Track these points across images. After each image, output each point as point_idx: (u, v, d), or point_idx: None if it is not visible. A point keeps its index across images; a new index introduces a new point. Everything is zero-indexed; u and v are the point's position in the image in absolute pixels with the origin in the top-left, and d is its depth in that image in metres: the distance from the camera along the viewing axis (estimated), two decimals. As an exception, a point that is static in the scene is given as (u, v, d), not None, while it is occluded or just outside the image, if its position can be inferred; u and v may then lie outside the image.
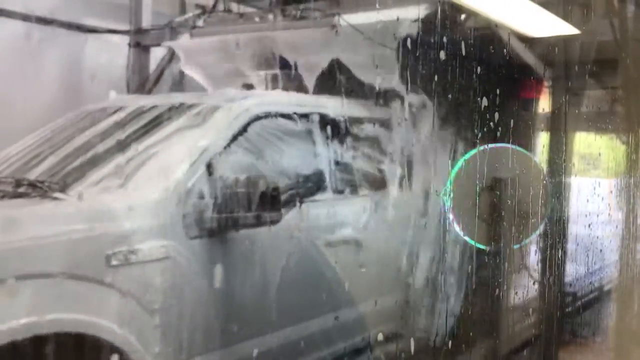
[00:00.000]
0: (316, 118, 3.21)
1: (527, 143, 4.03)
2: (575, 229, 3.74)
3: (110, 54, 4.57)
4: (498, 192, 3.82)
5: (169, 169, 2.54)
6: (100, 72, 4.56)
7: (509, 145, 3.83)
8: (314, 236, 2.94)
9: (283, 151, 3.00)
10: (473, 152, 3.79)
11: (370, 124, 3.51)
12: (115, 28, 4.47)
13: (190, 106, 2.95)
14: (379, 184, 3.41)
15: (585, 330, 3.90)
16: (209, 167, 2.57)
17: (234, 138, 2.75)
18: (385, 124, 3.59)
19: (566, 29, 3.12)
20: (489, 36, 3.40)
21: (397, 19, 3.41)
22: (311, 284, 2.93)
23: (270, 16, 3.81)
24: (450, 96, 3.78)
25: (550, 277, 3.50)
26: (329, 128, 3.23)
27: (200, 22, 3.97)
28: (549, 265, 3.50)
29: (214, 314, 2.51)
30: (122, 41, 4.45)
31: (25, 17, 4.13)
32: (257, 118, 2.90)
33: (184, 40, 4.06)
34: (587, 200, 3.86)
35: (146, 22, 4.46)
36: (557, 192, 3.45)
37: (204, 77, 4.09)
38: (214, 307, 2.51)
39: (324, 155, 3.17)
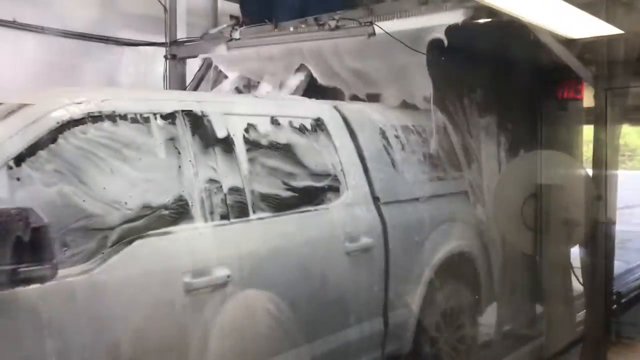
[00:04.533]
0: (185, 120, 2.38)
1: (567, 144, 3.99)
2: (619, 227, 3.68)
3: (147, 66, 4.63)
4: (542, 198, 3.80)
5: None
6: (137, 84, 4.63)
7: (550, 151, 3.79)
8: (162, 283, 2.13)
9: (120, 170, 2.14)
10: (515, 159, 3.78)
11: (284, 128, 2.76)
12: (151, 40, 4.52)
13: None
14: (286, 206, 2.62)
15: (632, 330, 3.87)
16: None
17: (30, 153, 1.95)
18: (313, 127, 2.89)
19: (609, 29, 3.06)
20: (528, 39, 3.36)
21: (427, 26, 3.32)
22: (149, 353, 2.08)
23: (305, 26, 3.81)
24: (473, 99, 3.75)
25: (596, 279, 3.48)
26: (206, 134, 2.43)
27: (236, 35, 3.98)
28: (595, 267, 3.48)
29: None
30: (159, 53, 4.49)
31: (63, 33, 4.21)
32: (77, 123, 2.08)
33: (220, 51, 4.08)
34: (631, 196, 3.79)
35: (181, 34, 4.49)
36: (601, 194, 3.40)
37: (242, 87, 4.13)
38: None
39: (193, 171, 2.33)
